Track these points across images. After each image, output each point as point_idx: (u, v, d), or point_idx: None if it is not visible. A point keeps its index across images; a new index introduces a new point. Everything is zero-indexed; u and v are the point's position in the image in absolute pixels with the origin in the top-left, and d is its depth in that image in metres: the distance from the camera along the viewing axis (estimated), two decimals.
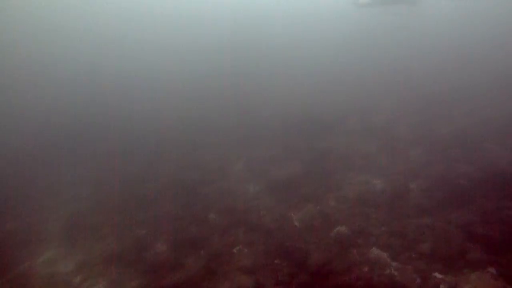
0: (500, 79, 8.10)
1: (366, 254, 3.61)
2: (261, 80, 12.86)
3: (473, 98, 7.23)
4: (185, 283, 3.74)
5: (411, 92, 8.36)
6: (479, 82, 8.13)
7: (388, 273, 3.29)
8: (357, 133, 6.99)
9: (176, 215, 5.16)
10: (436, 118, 6.64)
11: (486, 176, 4.23)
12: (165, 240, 4.55)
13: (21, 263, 4.58)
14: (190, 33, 24.03)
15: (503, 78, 8.11)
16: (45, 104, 12.64)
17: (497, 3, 17.86)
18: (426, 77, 9.42)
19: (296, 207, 4.98)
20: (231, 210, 5.18)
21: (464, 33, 14.54)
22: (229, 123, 8.83)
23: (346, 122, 7.67)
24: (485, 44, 11.77)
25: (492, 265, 3.08)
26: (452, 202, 4.05)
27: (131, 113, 10.75)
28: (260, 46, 18.62)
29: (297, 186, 5.47)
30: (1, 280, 4.29)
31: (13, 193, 6.55)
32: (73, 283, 4.06)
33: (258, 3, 30.11)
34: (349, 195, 5.01)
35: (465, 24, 16.75)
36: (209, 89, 12.65)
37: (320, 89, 10.86)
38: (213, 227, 4.78)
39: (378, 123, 7.09)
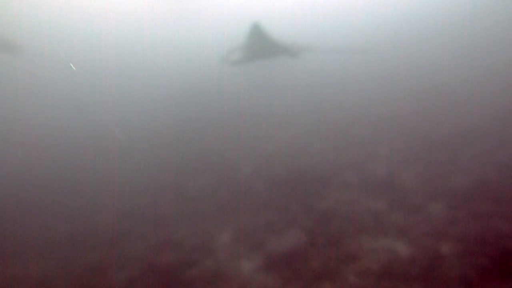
0: (498, 113, 8.60)
1: None
2: (231, 131, 12.70)
3: (478, 139, 7.48)
4: None
5: (406, 138, 8.54)
6: (477, 121, 8.54)
7: None
8: (359, 187, 6.83)
9: None
10: (444, 165, 6.70)
11: None
12: None
13: None
14: (142, 81, 24.05)
15: (500, 111, 8.61)
16: None
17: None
18: (416, 120, 9.80)
19: None
20: None
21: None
22: (203, 186, 8.34)
23: (342, 174, 7.53)
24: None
25: None
26: (503, 271, 3.83)
27: (79, 184, 9.92)
28: (215, 95, 18.88)
29: (304, 259, 5.04)
30: None
31: None
32: None
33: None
34: (371, 267, 4.65)
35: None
36: (168, 144, 12.21)
37: (302, 137, 10.87)
38: None
39: (381, 175, 7.01)
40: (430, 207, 5.54)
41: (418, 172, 6.70)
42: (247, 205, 6.92)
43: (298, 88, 18.75)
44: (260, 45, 8.23)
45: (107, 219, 7.51)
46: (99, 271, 5.61)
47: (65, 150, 13.26)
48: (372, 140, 9.16)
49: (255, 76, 21.72)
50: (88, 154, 12.40)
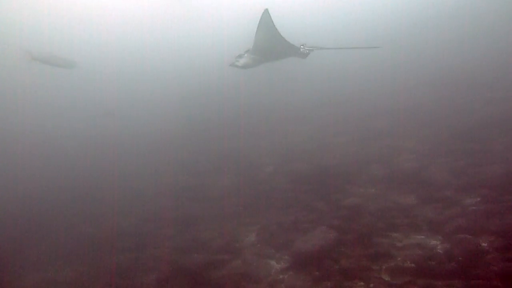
0: None
1: None
2: (250, 129, 12.64)
3: (510, 126, 7.17)
4: None
5: (432, 129, 8.30)
6: (508, 108, 8.20)
7: None
8: (386, 182, 6.67)
9: None
10: (476, 156, 6.45)
11: None
12: None
13: None
14: (161, 84, 24.29)
15: None
16: None
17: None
18: (440, 109, 9.52)
19: None
20: None
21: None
22: (226, 186, 8.31)
23: (367, 169, 7.37)
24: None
25: None
26: None
27: (104, 188, 10.04)
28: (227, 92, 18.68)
29: (335, 259, 4.92)
30: None
31: None
32: None
33: None
34: (406, 265, 4.51)
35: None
36: (189, 146, 12.26)
37: (322, 132, 10.73)
38: None
39: (409, 169, 6.82)
40: (465, 200, 5.34)
41: (448, 164, 6.49)
42: (271, 204, 6.85)
43: (313, 83, 18.54)
44: (269, 41, 7.98)
45: (133, 222, 7.56)
46: (128, 273, 5.64)
47: (88, 156, 13.46)
48: (396, 132, 8.95)
49: (269, 73, 21.56)
50: (111, 159, 12.55)
